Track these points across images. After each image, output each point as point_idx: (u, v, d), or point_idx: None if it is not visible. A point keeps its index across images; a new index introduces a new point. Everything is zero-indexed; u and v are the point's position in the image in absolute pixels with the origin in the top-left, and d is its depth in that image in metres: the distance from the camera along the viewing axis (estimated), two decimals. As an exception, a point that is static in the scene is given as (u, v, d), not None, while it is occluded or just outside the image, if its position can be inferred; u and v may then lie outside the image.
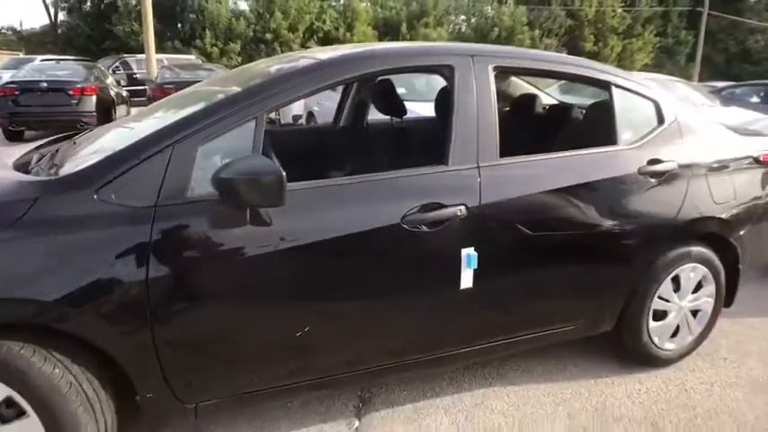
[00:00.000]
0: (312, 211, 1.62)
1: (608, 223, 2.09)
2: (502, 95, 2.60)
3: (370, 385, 2.18)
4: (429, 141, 2.13)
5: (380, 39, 29.19)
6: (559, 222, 2.01)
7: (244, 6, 26.58)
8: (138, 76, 17.82)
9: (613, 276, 2.19)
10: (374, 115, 2.97)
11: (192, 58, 20.09)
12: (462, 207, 1.78)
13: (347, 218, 1.66)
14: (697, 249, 2.35)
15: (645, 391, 2.28)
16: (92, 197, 1.45)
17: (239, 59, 23.91)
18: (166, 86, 9.46)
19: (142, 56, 17.69)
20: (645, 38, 32.84)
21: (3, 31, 30.91)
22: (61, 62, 11.66)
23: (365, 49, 1.99)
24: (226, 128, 1.58)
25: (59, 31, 28.04)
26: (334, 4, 27.24)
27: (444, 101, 2.01)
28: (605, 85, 2.23)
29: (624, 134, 2.21)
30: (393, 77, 2.70)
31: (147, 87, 15.62)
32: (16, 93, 8.85)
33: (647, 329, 2.34)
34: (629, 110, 2.25)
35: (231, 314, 1.58)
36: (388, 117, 2.85)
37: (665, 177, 2.21)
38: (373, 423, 2.01)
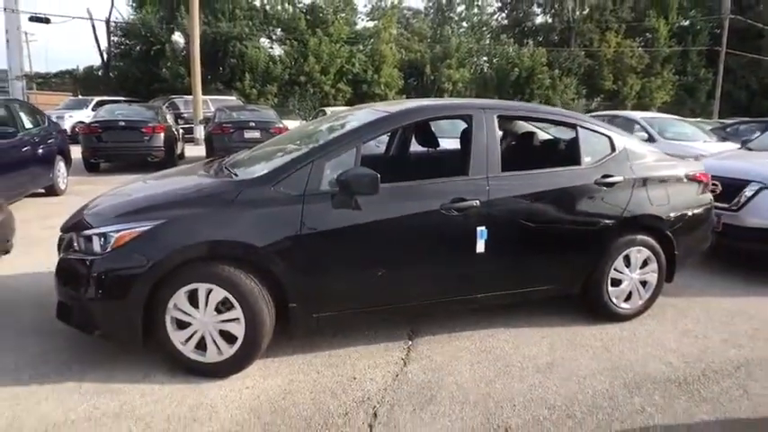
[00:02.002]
0: (388, 201, 2.77)
1: (574, 215, 3.22)
2: (508, 133, 3.77)
3: (417, 318, 3.28)
4: (453, 161, 3.31)
5: (406, 80, 30.99)
6: (540, 214, 3.13)
7: (279, 51, 28.81)
8: (185, 115, 19.39)
9: (578, 253, 3.28)
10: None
11: (233, 98, 21.79)
12: (477, 201, 2.93)
13: (409, 205, 2.81)
14: (641, 237, 3.42)
15: (605, 333, 3.31)
16: (270, 189, 2.65)
17: (275, 100, 25.80)
18: (225, 125, 10.95)
19: (189, 97, 19.35)
20: (664, 76, 33.71)
21: (59, 75, 33.83)
22: (133, 104, 13.35)
23: (419, 104, 3.20)
24: (341, 152, 2.78)
25: (111, 74, 30.62)
26: (362, 48, 29.17)
27: (466, 136, 3.17)
28: (573, 126, 3.39)
29: (586, 158, 3.35)
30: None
31: (193, 126, 17.40)
32: (99, 130, 10.45)
33: (607, 292, 3.40)
34: (590, 142, 3.39)
35: (341, 259, 2.73)
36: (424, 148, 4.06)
37: (614, 187, 3.32)
38: (421, 342, 3.11)
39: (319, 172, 2.71)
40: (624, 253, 3.39)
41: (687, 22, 35.78)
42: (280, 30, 28.98)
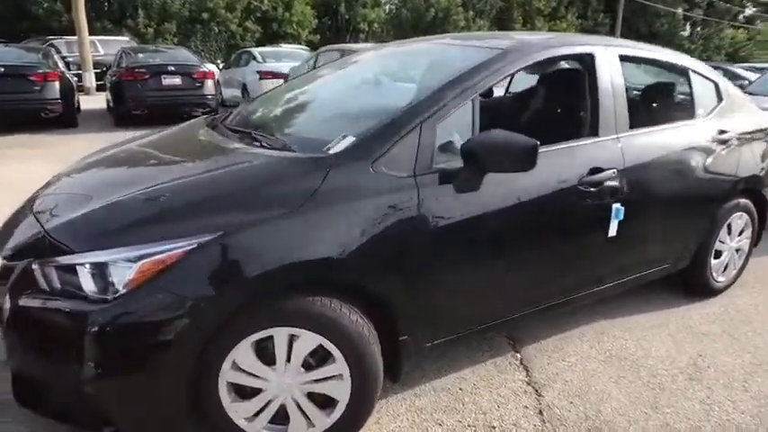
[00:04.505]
0: (520, 177, 1.94)
1: (696, 182, 2.64)
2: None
3: (523, 327, 2.53)
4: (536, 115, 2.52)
5: (319, 18, 28.84)
6: (668, 181, 2.50)
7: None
8: (69, 59, 16.30)
9: (695, 224, 2.74)
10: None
11: (126, 39, 18.73)
12: (614, 170, 2.21)
13: (544, 180, 2.01)
14: (743, 201, 2.95)
15: (713, 314, 2.86)
16: (369, 169, 1.72)
17: (175, 40, 22.73)
18: (137, 70, 9.07)
19: (72, 38, 16.28)
20: (568, 20, 34.82)
21: None
22: (10, 45, 10.68)
23: (529, 37, 2.33)
24: (452, 108, 1.88)
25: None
26: (271, -18, 26.38)
27: (581, 81, 2.35)
28: (685, 70, 2.74)
29: (699, 110, 2.74)
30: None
31: (81, 72, 14.68)
32: (-33, 80, 8.14)
33: (710, 266, 2.93)
34: (701, 90, 2.78)
35: (467, 263, 1.90)
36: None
37: (728, 144, 2.77)
38: (530, 352, 2.43)
39: (430, 139, 1.81)
40: (728, 220, 2.91)
41: (588, -35, 36.71)
42: (173, -42, 25.13)
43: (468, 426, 1.95)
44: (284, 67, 10.48)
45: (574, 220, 2.18)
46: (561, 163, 2.10)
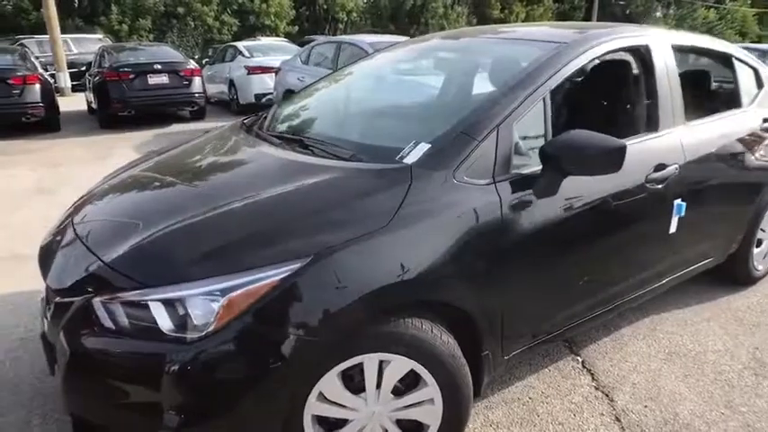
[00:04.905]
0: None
1: (746, 171, 2.61)
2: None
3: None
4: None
5: (296, 9, 28.33)
6: (722, 173, 2.46)
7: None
8: (42, 59, 15.70)
9: (743, 213, 2.71)
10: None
11: (99, 37, 18.13)
12: (676, 165, 2.15)
13: (615, 179, 1.91)
14: (783, 188, 2.93)
15: (757, 304, 2.85)
16: (451, 179, 1.61)
17: (150, 37, 22.10)
18: (122, 69, 8.72)
19: (43, 37, 15.68)
20: (545, 4, 34.91)
21: None
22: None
23: (587, 30, 2.23)
24: (528, 107, 1.78)
25: None
26: (247, -27, 25.77)
27: (636, 75, 2.29)
28: (728, 58, 2.69)
29: (744, 98, 2.70)
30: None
31: (54, 72, 14.14)
32: (-60, 84, 7.74)
33: (752, 255, 2.91)
34: (745, 77, 2.74)
35: (547, 270, 1.82)
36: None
37: (771, 131, 2.74)
38: (592, 355, 2.37)
39: (507, 143, 1.71)
40: (768, 209, 2.89)
41: (563, -52, 36.75)
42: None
43: (549, 438, 1.89)
44: (272, 60, 10.17)
45: (642, 220, 2.12)
46: (633, 161, 1.99)
